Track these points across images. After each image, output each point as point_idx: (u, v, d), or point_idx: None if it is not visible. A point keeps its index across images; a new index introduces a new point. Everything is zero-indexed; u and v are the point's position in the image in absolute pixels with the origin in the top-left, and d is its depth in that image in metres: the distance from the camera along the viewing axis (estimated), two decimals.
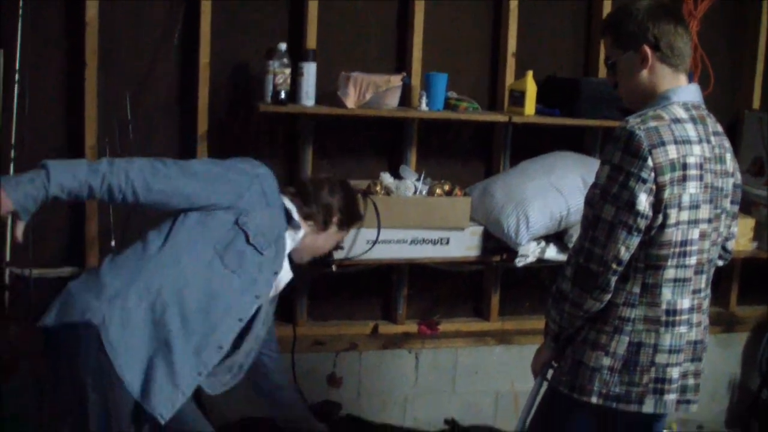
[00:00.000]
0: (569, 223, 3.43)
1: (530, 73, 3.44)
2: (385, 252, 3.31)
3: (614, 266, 2.05)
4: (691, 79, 2.22)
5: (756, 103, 4.04)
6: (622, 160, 2.02)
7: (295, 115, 3.34)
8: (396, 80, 3.30)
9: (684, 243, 2.10)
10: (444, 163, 3.65)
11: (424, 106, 3.38)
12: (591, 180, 3.34)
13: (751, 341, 4.12)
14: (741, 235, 3.78)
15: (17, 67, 3.02)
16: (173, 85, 3.28)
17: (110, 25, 3.13)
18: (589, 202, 2.11)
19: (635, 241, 2.05)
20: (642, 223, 2.03)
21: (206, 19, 3.19)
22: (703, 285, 2.21)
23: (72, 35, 3.13)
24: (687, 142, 2.06)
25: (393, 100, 3.33)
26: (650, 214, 2.03)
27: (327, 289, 3.60)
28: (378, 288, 3.71)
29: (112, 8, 3.13)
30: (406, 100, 3.43)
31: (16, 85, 3.02)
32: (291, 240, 2.50)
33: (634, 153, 2.01)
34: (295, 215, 2.53)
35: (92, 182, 2.09)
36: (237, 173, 2.34)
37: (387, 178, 3.40)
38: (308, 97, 3.23)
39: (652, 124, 2.04)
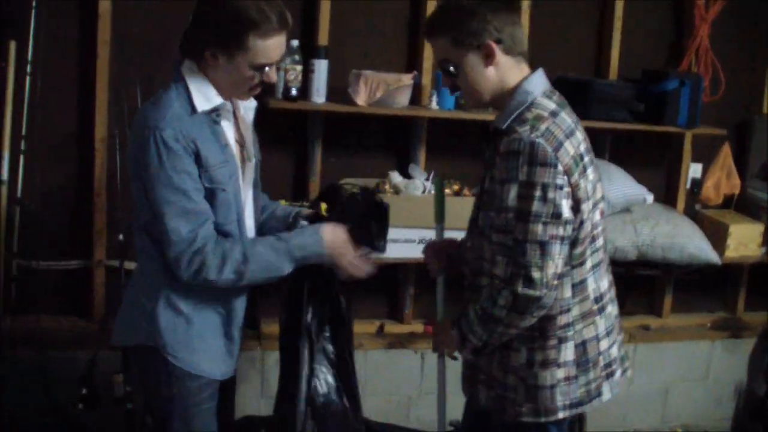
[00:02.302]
0: None
1: None
2: (392, 251, 3.28)
3: (555, 282, 1.99)
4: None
5: (766, 108, 4.03)
6: (530, 174, 1.94)
7: (305, 111, 3.33)
8: (407, 79, 3.29)
9: (593, 228, 2.10)
10: (453, 163, 3.64)
11: (434, 105, 3.38)
12: (599, 182, 3.41)
13: (757, 347, 4.10)
14: (749, 241, 3.78)
15: (29, 59, 3.02)
16: None
17: (122, 16, 3.13)
18: (501, 228, 2.00)
19: (567, 249, 2.01)
20: (570, 230, 1.99)
21: None
22: (608, 258, 2.23)
23: (84, 27, 3.13)
24: (572, 132, 2.04)
25: (403, 99, 3.33)
26: (573, 217, 2.00)
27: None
28: (384, 287, 3.70)
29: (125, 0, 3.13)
30: (416, 99, 3.43)
31: (27, 77, 3.03)
32: (199, 93, 2.09)
33: (542, 162, 1.94)
34: (184, 69, 2.11)
35: None
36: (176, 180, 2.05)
37: (396, 176, 3.39)
38: (319, 94, 3.22)
39: (543, 126, 1.98)
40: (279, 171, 3.41)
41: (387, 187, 3.32)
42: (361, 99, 3.23)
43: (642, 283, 4.03)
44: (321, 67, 3.20)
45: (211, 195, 2.07)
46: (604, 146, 3.78)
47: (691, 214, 3.92)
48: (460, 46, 2.05)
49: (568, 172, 1.97)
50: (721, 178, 3.86)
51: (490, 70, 2.07)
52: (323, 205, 3.20)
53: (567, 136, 2.01)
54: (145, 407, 2.31)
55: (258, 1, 2.01)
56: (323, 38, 3.31)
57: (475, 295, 2.15)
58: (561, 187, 1.95)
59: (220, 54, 2.04)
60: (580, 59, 3.78)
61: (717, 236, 3.72)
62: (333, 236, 2.19)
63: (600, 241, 2.14)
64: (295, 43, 3.14)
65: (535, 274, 1.95)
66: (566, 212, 1.97)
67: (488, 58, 2.05)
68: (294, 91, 3.16)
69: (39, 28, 3.02)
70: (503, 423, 2.21)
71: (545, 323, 2.08)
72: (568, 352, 2.11)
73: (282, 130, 3.41)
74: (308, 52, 3.22)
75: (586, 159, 2.06)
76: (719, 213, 3.92)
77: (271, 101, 3.15)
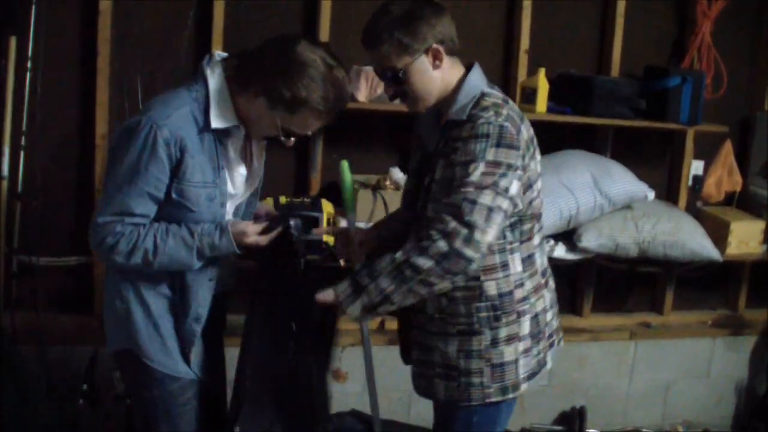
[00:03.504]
0: (578, 221, 3.42)
1: (542, 71, 3.43)
2: None
3: (486, 251, 1.99)
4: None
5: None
6: (497, 155, 1.98)
7: None
8: None
9: (540, 206, 2.20)
10: None
11: None
12: (601, 179, 3.41)
13: (759, 345, 4.10)
14: (750, 238, 3.77)
15: (29, 55, 3.02)
16: (186, 76, 3.26)
17: (123, 13, 3.13)
18: (465, 198, 1.97)
19: (504, 225, 2.04)
20: (511, 209, 2.04)
21: (219, 11, 3.18)
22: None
23: (85, 23, 3.13)
24: (522, 118, 2.12)
25: None
26: (518, 199, 2.06)
27: (333, 283, 3.57)
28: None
29: None
30: None
31: (27, 73, 3.02)
32: (217, 109, 2.05)
33: (509, 145, 2.00)
34: (212, 78, 2.06)
35: None
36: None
37: (396, 173, 3.39)
38: None
39: (504, 112, 2.04)
40: (280, 166, 3.41)
41: (388, 183, 3.32)
42: (362, 95, 3.23)
43: (643, 281, 4.02)
44: None
45: (177, 209, 2.05)
46: (606, 143, 3.77)
47: (693, 211, 3.91)
48: (406, 52, 2.07)
49: (524, 155, 2.06)
50: (722, 176, 3.85)
51: (437, 73, 2.11)
52: (326, 203, 3.20)
53: (521, 121, 2.10)
54: (133, 410, 2.32)
55: (328, 88, 2.00)
56: (324, 34, 3.31)
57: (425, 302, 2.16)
58: (517, 169, 2.02)
59: (263, 100, 2.01)
60: (583, 56, 3.77)
61: (718, 233, 3.71)
62: (238, 234, 2.09)
63: (543, 221, 2.26)
64: None
65: (477, 236, 1.94)
66: (514, 191, 2.02)
67: (435, 61, 2.09)
68: None
69: (39, 24, 3.02)
70: (462, 410, 2.22)
71: (504, 300, 2.14)
72: (525, 326, 2.19)
73: None
74: None
75: (535, 142, 2.15)
76: (721, 210, 3.91)
77: None
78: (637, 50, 3.78)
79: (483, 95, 2.09)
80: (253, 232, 2.11)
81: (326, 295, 2.11)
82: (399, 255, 2.00)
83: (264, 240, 2.13)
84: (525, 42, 3.58)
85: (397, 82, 2.10)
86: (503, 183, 1.98)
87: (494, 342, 2.15)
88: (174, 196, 2.02)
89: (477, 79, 2.13)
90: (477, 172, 1.97)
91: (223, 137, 2.07)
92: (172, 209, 2.05)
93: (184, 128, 1.99)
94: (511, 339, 2.16)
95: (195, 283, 2.15)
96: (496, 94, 2.12)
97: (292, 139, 2.09)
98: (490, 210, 1.96)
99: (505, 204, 1.99)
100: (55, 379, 3.13)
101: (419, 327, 2.25)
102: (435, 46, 2.07)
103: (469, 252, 1.94)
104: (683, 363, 4.02)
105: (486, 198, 1.96)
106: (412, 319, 2.27)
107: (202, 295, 2.18)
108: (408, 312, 2.25)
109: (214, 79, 2.05)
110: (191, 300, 2.16)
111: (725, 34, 3.84)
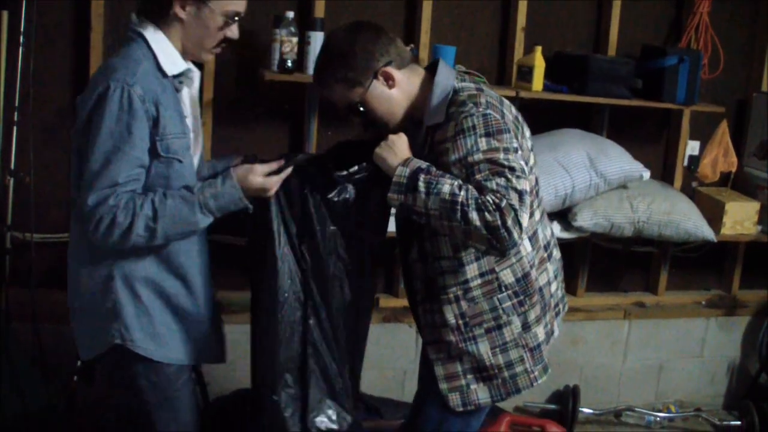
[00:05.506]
0: (574, 200, 3.42)
1: (539, 49, 3.41)
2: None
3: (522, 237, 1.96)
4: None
5: (765, 86, 4.00)
6: (489, 143, 1.96)
7: (301, 84, 3.30)
8: None
9: (536, 182, 2.18)
10: None
11: None
12: (597, 158, 3.41)
13: (752, 325, 4.12)
14: (745, 219, 3.78)
15: (22, 30, 2.99)
16: None
17: None
18: (481, 184, 1.93)
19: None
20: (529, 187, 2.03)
21: None
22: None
23: None
24: (501, 100, 2.11)
25: None
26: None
27: None
28: (380, 261, 3.69)
29: None
30: None
31: (20, 48, 2.99)
32: (164, 56, 2.03)
33: (498, 131, 1.97)
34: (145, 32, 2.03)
35: None
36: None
37: None
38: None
39: (482, 100, 2.02)
40: (275, 144, 3.39)
41: None
42: None
43: (638, 260, 4.03)
44: (317, 39, 3.16)
45: (167, 165, 2.00)
46: (602, 122, 3.76)
47: (688, 191, 3.92)
48: (357, 86, 2.08)
49: (514, 135, 2.03)
50: (718, 156, 3.85)
51: (395, 92, 2.10)
52: None
53: (501, 104, 2.08)
54: (127, 408, 2.28)
55: None
56: (319, 10, 3.28)
57: (435, 304, 2.15)
58: (516, 150, 1.99)
59: (189, 3, 1.99)
60: (580, 34, 3.75)
61: (713, 214, 3.72)
62: (244, 173, 2.05)
63: (542, 194, 2.26)
64: (290, 14, 3.11)
65: (522, 220, 1.90)
66: (527, 171, 2.02)
67: (388, 81, 2.09)
68: (290, 64, 3.13)
69: None
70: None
71: (522, 283, 2.13)
72: (539, 301, 2.20)
73: (277, 103, 3.39)
74: (304, 24, 3.19)
75: (521, 119, 2.15)
76: (716, 190, 3.92)
77: (267, 74, 3.13)
78: (635, 29, 3.76)
79: (455, 92, 2.06)
80: (261, 172, 2.06)
81: (388, 158, 2.04)
82: (462, 194, 1.89)
83: (274, 182, 2.07)
84: (522, 20, 3.56)
85: (361, 114, 2.12)
86: (515, 165, 1.95)
87: (525, 326, 2.15)
88: (162, 153, 1.98)
89: (444, 78, 2.10)
90: (483, 164, 1.94)
91: (179, 85, 2.05)
92: (161, 167, 2.00)
93: (152, 82, 1.97)
94: (539, 318, 2.18)
95: (200, 272, 2.16)
96: (468, 86, 2.08)
97: (236, 21, 2.05)
98: (521, 194, 1.92)
99: (527, 184, 1.96)
100: (49, 357, 3.12)
101: (437, 341, 2.18)
102: (382, 69, 2.07)
103: (516, 233, 1.88)
104: (677, 343, 4.04)
105: (513, 182, 1.92)
106: (423, 332, 2.24)
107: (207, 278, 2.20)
108: (415, 286, 2.25)
109: (149, 32, 2.02)
110: (201, 286, 2.17)
111: (723, 14, 3.83)
